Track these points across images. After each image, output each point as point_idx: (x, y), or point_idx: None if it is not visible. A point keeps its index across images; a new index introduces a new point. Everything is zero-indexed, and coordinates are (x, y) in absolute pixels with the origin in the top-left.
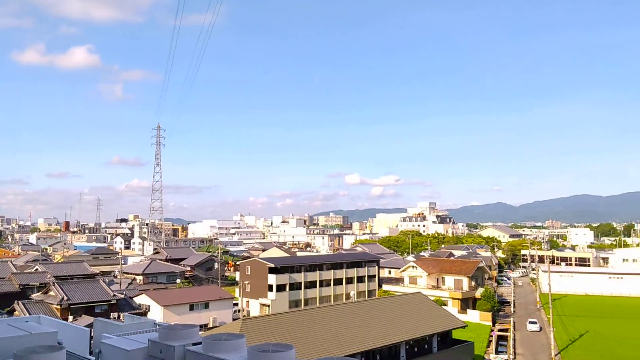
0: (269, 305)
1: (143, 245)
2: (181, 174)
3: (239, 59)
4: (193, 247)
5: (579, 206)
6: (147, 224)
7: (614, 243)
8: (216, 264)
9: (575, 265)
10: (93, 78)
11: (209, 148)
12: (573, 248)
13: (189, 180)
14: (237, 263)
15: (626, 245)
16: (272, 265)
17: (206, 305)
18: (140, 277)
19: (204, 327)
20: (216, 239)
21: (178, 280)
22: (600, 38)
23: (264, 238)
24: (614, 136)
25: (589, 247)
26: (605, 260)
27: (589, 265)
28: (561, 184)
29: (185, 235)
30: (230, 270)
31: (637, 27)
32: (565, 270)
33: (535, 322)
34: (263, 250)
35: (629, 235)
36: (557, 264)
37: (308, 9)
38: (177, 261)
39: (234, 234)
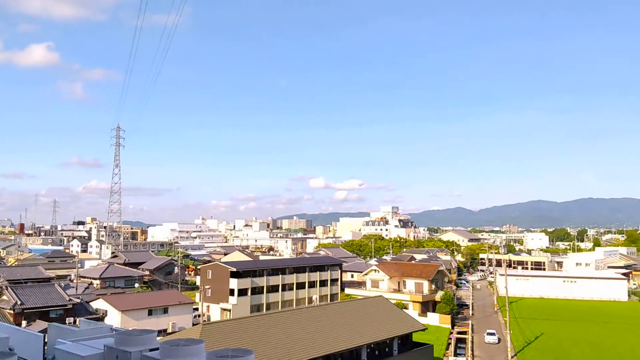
0: (230, 310)
1: (101, 249)
2: (141, 175)
3: (203, 60)
4: (152, 251)
5: (535, 211)
6: (105, 227)
7: (568, 248)
8: (176, 268)
9: (531, 269)
10: (52, 76)
11: (170, 150)
12: (529, 252)
13: (149, 182)
14: (198, 267)
15: (579, 249)
16: (234, 269)
17: (165, 310)
18: (98, 282)
19: (162, 332)
20: (177, 242)
21: (136, 285)
22: (555, 46)
23: (226, 242)
24: (568, 143)
25: (544, 251)
26: (560, 264)
27: (544, 269)
28: (518, 189)
29: (145, 239)
30: (190, 275)
31: (589, 36)
32: (522, 274)
33: (493, 334)
34: (225, 254)
35: (582, 240)
36: (514, 267)
37: (273, 12)
38: (135, 265)
39: (195, 237)
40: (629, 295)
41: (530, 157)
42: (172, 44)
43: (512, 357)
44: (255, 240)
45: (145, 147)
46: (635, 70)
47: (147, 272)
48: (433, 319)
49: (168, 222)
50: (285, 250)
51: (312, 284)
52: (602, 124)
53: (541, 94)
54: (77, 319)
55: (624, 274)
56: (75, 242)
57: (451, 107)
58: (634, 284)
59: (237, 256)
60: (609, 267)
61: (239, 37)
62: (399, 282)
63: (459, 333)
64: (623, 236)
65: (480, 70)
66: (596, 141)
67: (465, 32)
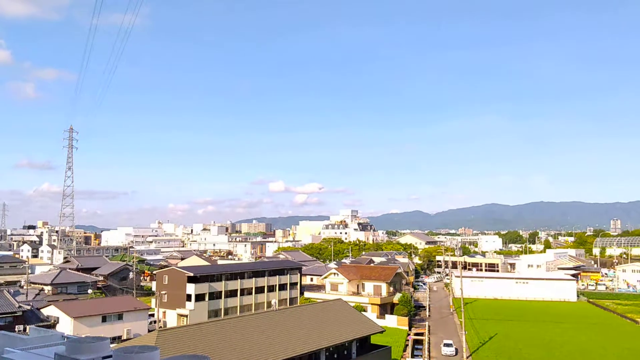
0: (187, 316)
1: (52, 254)
2: (95, 178)
3: (160, 61)
4: (107, 256)
5: (489, 214)
6: (57, 231)
7: (520, 250)
8: (131, 273)
9: (486, 270)
10: (2, 76)
11: (125, 152)
12: (483, 254)
13: (103, 185)
14: (154, 272)
15: (531, 251)
16: (191, 274)
17: (120, 317)
18: (49, 287)
19: (117, 339)
20: (132, 247)
21: (90, 291)
22: (505, 55)
23: (183, 246)
24: (521, 149)
25: (498, 253)
26: (513, 265)
27: (497, 271)
28: (473, 193)
29: (98, 244)
30: (146, 280)
31: (537, 44)
32: (476, 275)
33: (450, 345)
34: (182, 259)
35: (534, 242)
36: (469, 269)
37: (234, 16)
38: (89, 270)
39: (151, 242)
40: (577, 296)
41: (485, 162)
42: (129, 45)
43: (467, 357)
44: (214, 245)
45: (100, 149)
46: (584, 79)
47: (101, 278)
48: (391, 321)
49: (123, 227)
50: (244, 254)
51: (271, 288)
52: (552, 130)
53: (496, 101)
54: (27, 327)
55: (573, 275)
56: (26, 247)
57: (409, 112)
58: (582, 285)
59: (194, 261)
60: (559, 268)
61: (199, 39)
62: (358, 285)
63: (416, 334)
64: (572, 238)
65: (437, 76)
66: (547, 147)
67: (424, 40)
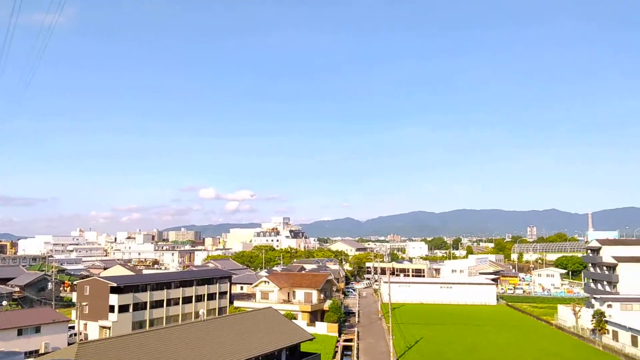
0: (109, 328)
1: None
2: (11, 184)
3: (82, 62)
4: (23, 266)
5: (417, 221)
6: None
7: (445, 255)
8: (50, 283)
9: (413, 276)
10: None
11: (45, 157)
12: (410, 260)
13: (20, 191)
14: (75, 283)
15: (454, 257)
16: (114, 284)
17: (37, 330)
18: None
19: (34, 353)
20: (51, 256)
21: (4, 303)
22: (428, 67)
23: (106, 255)
24: (444, 159)
25: (424, 259)
26: (438, 271)
27: (424, 276)
28: (402, 201)
29: (15, 253)
30: (66, 291)
31: (459, 57)
32: (403, 281)
33: None
34: (105, 269)
35: (457, 248)
36: (397, 275)
37: (164, 17)
38: (4, 281)
39: (71, 250)
40: (497, 299)
41: (412, 170)
42: (52, 45)
43: None
44: (139, 254)
45: (17, 154)
46: (502, 91)
47: (17, 289)
48: (321, 328)
49: (41, 235)
50: (171, 263)
51: (199, 298)
52: (474, 140)
53: (422, 112)
54: None
55: (493, 280)
56: None
57: (342, 122)
58: (502, 289)
59: (118, 270)
60: (480, 273)
61: (123, 38)
62: (289, 293)
63: (345, 341)
64: (492, 244)
65: (368, 88)
66: (468, 157)
67: (356, 51)
